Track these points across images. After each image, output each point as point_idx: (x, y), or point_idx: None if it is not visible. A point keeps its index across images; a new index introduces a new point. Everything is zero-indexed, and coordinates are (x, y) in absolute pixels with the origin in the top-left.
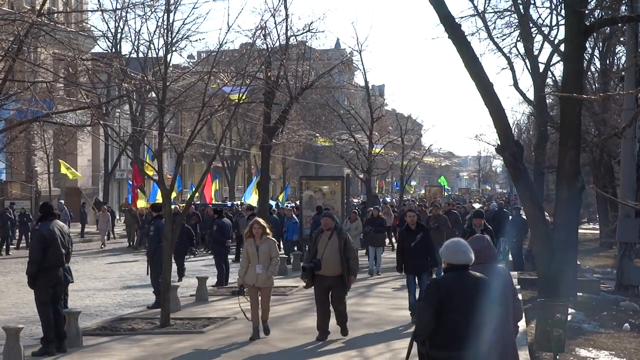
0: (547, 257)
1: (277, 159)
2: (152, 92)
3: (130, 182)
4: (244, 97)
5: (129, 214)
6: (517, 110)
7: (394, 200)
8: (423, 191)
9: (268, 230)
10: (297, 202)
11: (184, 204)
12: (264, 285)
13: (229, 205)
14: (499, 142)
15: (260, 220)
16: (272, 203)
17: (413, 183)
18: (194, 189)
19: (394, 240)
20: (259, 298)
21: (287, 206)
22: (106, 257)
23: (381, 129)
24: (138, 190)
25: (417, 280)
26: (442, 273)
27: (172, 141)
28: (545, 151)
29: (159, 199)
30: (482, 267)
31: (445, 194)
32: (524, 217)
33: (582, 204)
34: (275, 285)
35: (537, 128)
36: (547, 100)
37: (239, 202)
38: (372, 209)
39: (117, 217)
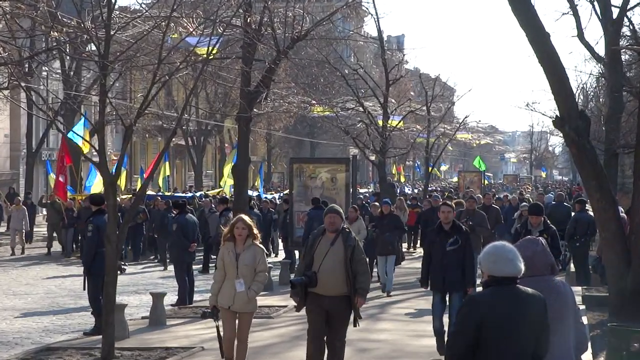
0: (622, 268)
1: (260, 135)
2: (92, 44)
3: (53, 165)
4: (215, 52)
5: (52, 208)
6: (582, 70)
7: (415, 190)
8: (456, 178)
9: (256, 233)
10: (285, 193)
11: (134, 195)
12: (244, 309)
13: (188, 197)
14: (557, 113)
15: (246, 218)
16: (253, 194)
17: (443, 167)
18: (145, 175)
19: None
20: (236, 326)
21: (265, 198)
22: (29, 267)
23: (399, 94)
24: (66, 174)
25: (447, 301)
26: (481, 289)
27: (118, 110)
28: (619, 125)
29: (97, 187)
30: (535, 280)
31: (485, 182)
32: (591, 213)
33: None
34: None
35: (608, 94)
36: (623, 57)
37: (203, 193)
38: (375, 203)
39: (40, 213)
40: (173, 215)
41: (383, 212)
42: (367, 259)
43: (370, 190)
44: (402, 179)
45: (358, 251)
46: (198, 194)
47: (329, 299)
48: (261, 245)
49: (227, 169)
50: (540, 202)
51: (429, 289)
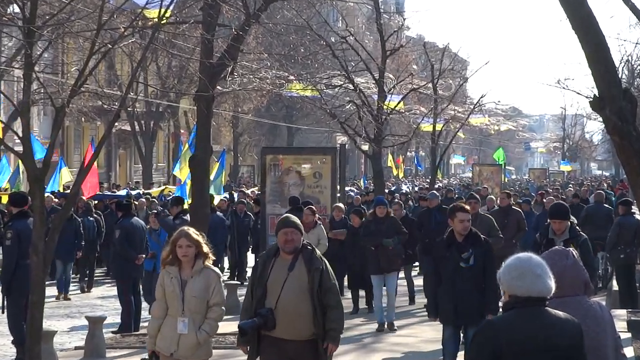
0: None
1: (225, 119)
2: (14, 5)
3: None
4: (168, 14)
5: None
6: (626, 39)
7: (416, 188)
8: (470, 172)
9: (207, 251)
10: (256, 190)
11: (58, 195)
12: (192, 357)
13: (122, 195)
14: (595, 92)
15: (192, 231)
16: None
17: (455, 159)
18: (81, 168)
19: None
20: None
21: (242, 201)
22: None
23: (399, 68)
24: None
25: (461, 336)
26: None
27: (47, 87)
28: None
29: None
30: (565, 302)
31: (505, 178)
32: (639, 217)
33: None
34: (220, 331)
35: None
36: None
37: (141, 191)
38: (353, 207)
39: None
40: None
41: (378, 214)
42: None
43: (360, 185)
44: (401, 174)
45: (327, 276)
46: (134, 192)
47: (292, 344)
48: (216, 269)
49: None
50: (574, 203)
51: (438, 320)
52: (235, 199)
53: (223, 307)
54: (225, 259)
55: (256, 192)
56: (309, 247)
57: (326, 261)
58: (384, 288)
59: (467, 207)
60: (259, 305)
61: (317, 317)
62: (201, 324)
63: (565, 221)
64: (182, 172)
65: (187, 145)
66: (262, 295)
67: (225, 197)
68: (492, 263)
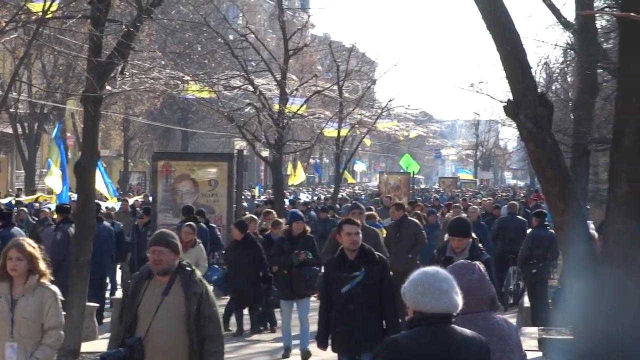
0: (592, 303)
1: (115, 121)
2: None
3: None
4: (54, 9)
5: None
6: (544, 41)
7: (315, 198)
8: (377, 180)
9: (43, 268)
10: (139, 199)
11: None
12: None
13: (8, 204)
14: (510, 97)
15: (28, 243)
16: (104, 204)
17: (359, 166)
18: None
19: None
20: None
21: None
22: None
23: (303, 69)
24: None
25: None
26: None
27: None
28: (592, 113)
29: None
30: (470, 319)
31: (415, 187)
32: (553, 230)
33: None
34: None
35: (579, 72)
36: (598, 22)
37: (12, 200)
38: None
39: None
40: None
41: (293, 231)
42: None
43: (254, 194)
44: (295, 181)
45: (207, 302)
46: (5, 200)
47: None
48: (53, 288)
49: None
50: (489, 215)
51: (330, 350)
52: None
53: (61, 332)
54: (119, 276)
55: (139, 200)
56: (187, 269)
57: (207, 285)
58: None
59: (357, 220)
60: (127, 333)
61: (194, 349)
62: (34, 351)
63: (466, 239)
64: (52, 177)
65: (54, 145)
66: (131, 323)
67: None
68: (389, 282)
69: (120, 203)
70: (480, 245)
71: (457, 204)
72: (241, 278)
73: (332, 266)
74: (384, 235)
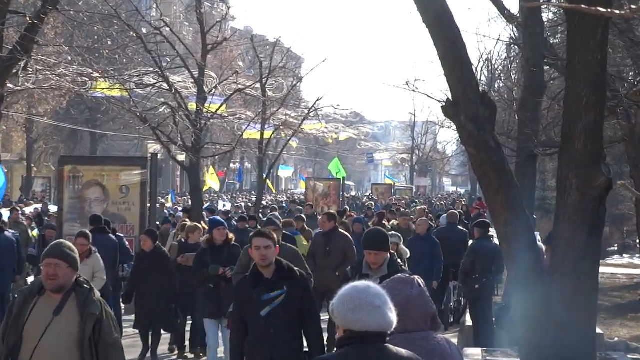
0: (539, 321)
1: (17, 122)
2: None
3: None
4: None
5: None
6: (485, 35)
7: (236, 205)
8: (303, 186)
9: None
10: (39, 207)
11: None
12: None
13: None
14: (449, 96)
15: None
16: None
17: (284, 172)
18: None
19: None
20: None
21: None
22: None
23: (223, 65)
24: None
25: None
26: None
27: None
28: (539, 114)
29: None
30: (409, 338)
31: (346, 194)
32: (496, 242)
33: (608, 217)
34: None
35: (524, 69)
36: (545, 15)
37: None
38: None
39: None
40: None
41: (215, 240)
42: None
43: (167, 204)
44: (206, 187)
45: (108, 327)
46: None
47: None
48: None
49: None
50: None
51: None
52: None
53: None
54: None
55: (39, 209)
56: (85, 286)
57: (108, 307)
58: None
59: (267, 231)
60: (11, 356)
61: None
62: None
63: (383, 252)
64: None
65: None
66: (15, 344)
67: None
68: (312, 300)
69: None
70: (399, 260)
71: (406, 211)
72: (150, 295)
73: (245, 286)
74: (309, 246)
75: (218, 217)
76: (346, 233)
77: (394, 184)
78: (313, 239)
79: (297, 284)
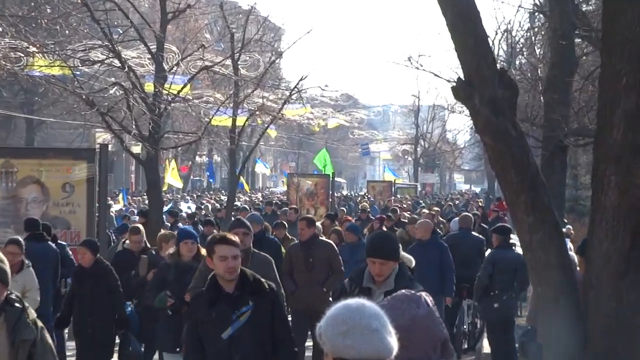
0: (572, 348)
1: None
2: None
3: None
4: None
5: None
6: (504, 1)
7: (202, 206)
8: (284, 184)
9: None
10: None
11: None
12: None
13: None
14: (460, 75)
15: None
16: None
17: (261, 167)
18: None
19: None
20: None
21: None
22: None
23: (186, 38)
24: None
25: None
26: None
27: None
28: (569, 97)
29: None
30: None
31: (337, 194)
32: (519, 251)
33: None
34: None
35: (551, 42)
36: None
37: None
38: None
39: None
40: None
41: (182, 255)
42: None
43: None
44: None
45: (44, 354)
46: None
47: None
48: None
49: None
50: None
51: None
52: None
53: None
54: None
55: None
56: (16, 305)
57: (46, 331)
58: None
59: (235, 237)
60: None
61: None
62: None
63: (391, 262)
64: None
65: None
66: None
67: None
68: (284, 320)
69: None
70: (409, 272)
71: (413, 217)
72: (90, 322)
73: (201, 303)
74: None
75: (188, 228)
76: (328, 240)
77: (395, 181)
78: (288, 252)
79: (265, 298)
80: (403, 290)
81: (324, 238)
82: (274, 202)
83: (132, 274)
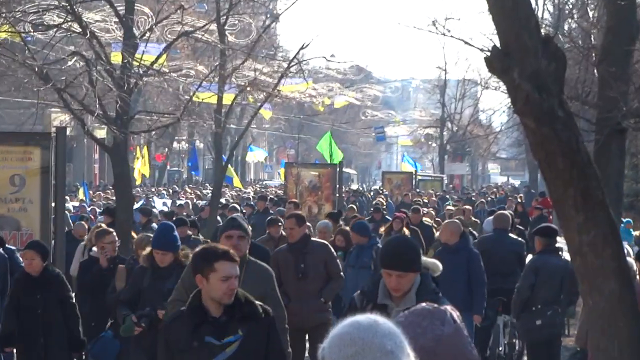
0: None
1: None
2: None
3: None
4: None
5: None
6: None
7: (179, 202)
8: (281, 175)
9: None
10: None
11: None
12: None
13: None
14: (496, 43)
15: None
16: None
17: (254, 154)
18: None
19: None
20: None
21: None
22: None
23: None
24: None
25: None
26: None
27: None
28: (630, 70)
29: None
30: None
31: (346, 188)
32: (567, 257)
33: None
34: None
35: (606, 2)
36: None
37: None
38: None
39: None
40: None
41: (158, 260)
42: None
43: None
44: (138, 173)
45: None
46: None
47: None
48: None
49: None
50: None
51: None
52: None
53: None
54: None
55: None
56: None
57: None
58: None
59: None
60: None
61: None
62: None
63: (411, 274)
64: None
65: None
66: None
67: None
68: (280, 352)
69: None
70: (434, 285)
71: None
72: (42, 343)
73: (180, 327)
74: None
75: (168, 230)
76: (322, 241)
77: (416, 172)
78: (274, 258)
79: (259, 325)
80: (423, 304)
81: (316, 239)
82: (269, 197)
83: (108, 290)
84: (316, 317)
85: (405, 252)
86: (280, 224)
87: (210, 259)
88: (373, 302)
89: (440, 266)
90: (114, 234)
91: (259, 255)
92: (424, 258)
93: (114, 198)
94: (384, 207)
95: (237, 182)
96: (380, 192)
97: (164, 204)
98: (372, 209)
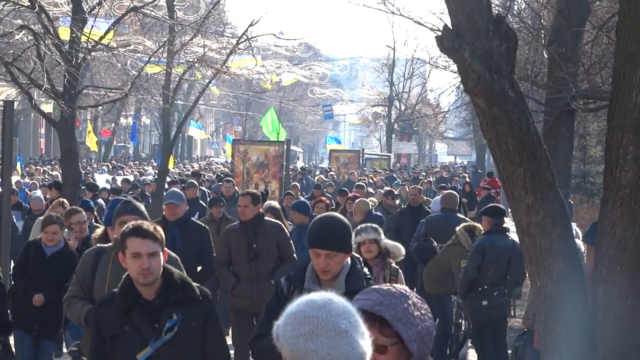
0: (582, 351)
1: None
2: None
3: None
4: None
5: None
6: None
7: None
8: (229, 152)
9: None
10: None
11: None
12: None
13: None
14: (447, 22)
15: None
16: None
17: (197, 131)
18: None
19: None
20: None
21: None
22: None
23: None
24: None
25: None
26: None
27: None
28: (579, 51)
29: None
30: None
31: (292, 165)
32: (514, 238)
33: None
34: None
35: None
36: None
37: None
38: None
39: None
40: None
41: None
42: None
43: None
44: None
45: None
46: None
47: None
48: None
49: None
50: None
51: None
52: None
53: None
54: None
55: None
56: None
57: None
58: None
59: (154, 228)
60: None
61: None
62: None
63: (339, 254)
64: None
65: None
66: None
67: None
68: (219, 336)
69: None
70: (366, 270)
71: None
72: None
73: (111, 312)
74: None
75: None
76: (276, 221)
77: (363, 150)
78: (225, 236)
79: (197, 308)
80: (387, 285)
81: (270, 218)
82: (217, 174)
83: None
84: (266, 299)
85: (335, 229)
86: (222, 204)
87: (123, 235)
88: (300, 287)
89: (403, 250)
90: (83, 213)
91: (196, 232)
92: (385, 240)
93: (54, 173)
94: (326, 183)
95: (171, 162)
96: (329, 170)
97: (107, 180)
98: (312, 189)
